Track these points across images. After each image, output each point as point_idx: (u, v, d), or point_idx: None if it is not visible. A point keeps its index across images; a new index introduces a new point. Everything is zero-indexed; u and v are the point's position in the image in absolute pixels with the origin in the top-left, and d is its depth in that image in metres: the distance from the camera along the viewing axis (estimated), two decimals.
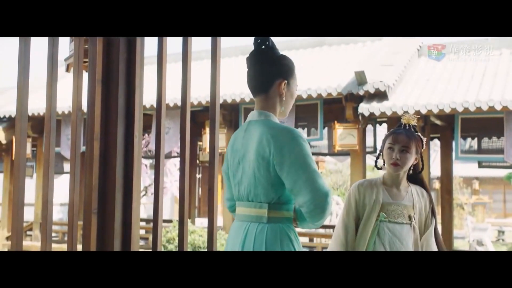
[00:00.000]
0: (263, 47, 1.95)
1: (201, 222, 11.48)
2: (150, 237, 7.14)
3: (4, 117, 11.13)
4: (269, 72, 1.94)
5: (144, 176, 13.93)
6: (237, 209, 1.98)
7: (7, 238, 11.43)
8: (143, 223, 11.09)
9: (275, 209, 1.86)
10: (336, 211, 16.50)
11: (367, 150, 9.77)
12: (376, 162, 2.58)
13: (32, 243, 10.68)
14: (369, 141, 10.06)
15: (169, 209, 17.60)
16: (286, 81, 1.95)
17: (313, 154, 12.34)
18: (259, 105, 1.98)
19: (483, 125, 8.74)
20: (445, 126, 9.53)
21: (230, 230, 2.01)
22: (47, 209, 2.03)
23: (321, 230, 10.75)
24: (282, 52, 2.02)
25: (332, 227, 12.00)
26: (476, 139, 9.48)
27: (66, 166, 12.49)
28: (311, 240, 10.15)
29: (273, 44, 1.98)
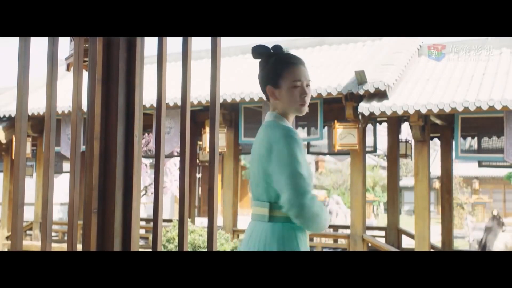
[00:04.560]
0: (257, 57, 2.03)
1: (201, 222, 11.47)
2: (150, 237, 7.14)
3: (4, 116, 11.13)
4: (260, 82, 2.06)
5: (144, 176, 13.94)
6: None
7: (7, 238, 11.44)
8: (143, 223, 11.08)
9: (276, 208, 1.89)
10: (336, 210, 16.45)
11: (367, 149, 9.77)
12: None
13: (32, 243, 10.68)
14: (369, 141, 10.06)
15: (169, 209, 17.62)
16: (271, 87, 2.00)
17: (313, 153, 12.34)
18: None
19: (483, 124, 8.75)
20: (445, 125, 9.53)
21: None
22: (47, 208, 2.03)
23: None
24: None
25: (334, 226, 11.98)
26: (476, 138, 9.48)
27: (66, 166, 12.50)
28: (310, 239, 10.15)
29: (264, 50, 2.01)
